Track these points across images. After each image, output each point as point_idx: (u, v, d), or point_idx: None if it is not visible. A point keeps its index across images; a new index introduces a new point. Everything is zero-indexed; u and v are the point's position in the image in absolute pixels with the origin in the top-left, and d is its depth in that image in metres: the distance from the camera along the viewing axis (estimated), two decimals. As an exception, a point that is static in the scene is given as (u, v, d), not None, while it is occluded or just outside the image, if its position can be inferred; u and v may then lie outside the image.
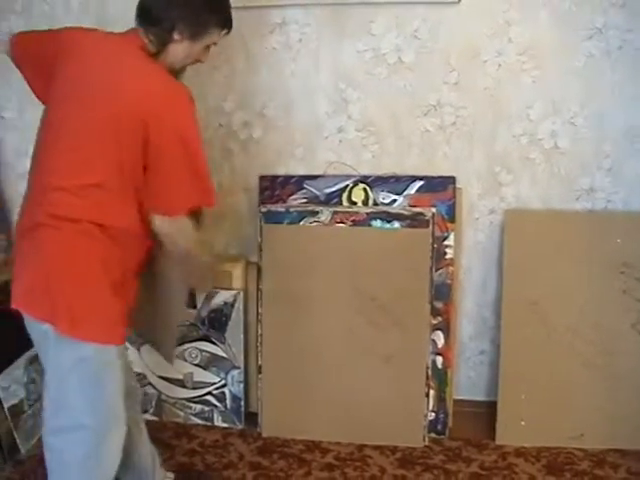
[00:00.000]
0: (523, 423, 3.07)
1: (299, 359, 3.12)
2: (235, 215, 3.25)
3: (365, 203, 3.09)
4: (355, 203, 3.10)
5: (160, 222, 2.22)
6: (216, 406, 3.23)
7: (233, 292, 3.16)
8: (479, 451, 3.07)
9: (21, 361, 3.12)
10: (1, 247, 3.26)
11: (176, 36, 2.25)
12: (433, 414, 3.15)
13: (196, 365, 3.22)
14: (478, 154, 3.04)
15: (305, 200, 3.13)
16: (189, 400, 3.26)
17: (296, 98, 3.07)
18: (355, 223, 3.03)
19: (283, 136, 3.12)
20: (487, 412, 3.17)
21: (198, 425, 3.27)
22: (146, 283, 2.36)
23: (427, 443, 3.13)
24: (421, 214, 3.00)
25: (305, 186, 3.12)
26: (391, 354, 3.02)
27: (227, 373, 3.20)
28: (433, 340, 3.10)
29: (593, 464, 2.97)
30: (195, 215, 2.31)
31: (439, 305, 3.09)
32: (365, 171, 3.11)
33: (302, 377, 3.13)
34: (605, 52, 2.87)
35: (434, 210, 3.01)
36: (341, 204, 3.10)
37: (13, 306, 2.12)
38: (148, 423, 3.10)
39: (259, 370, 3.16)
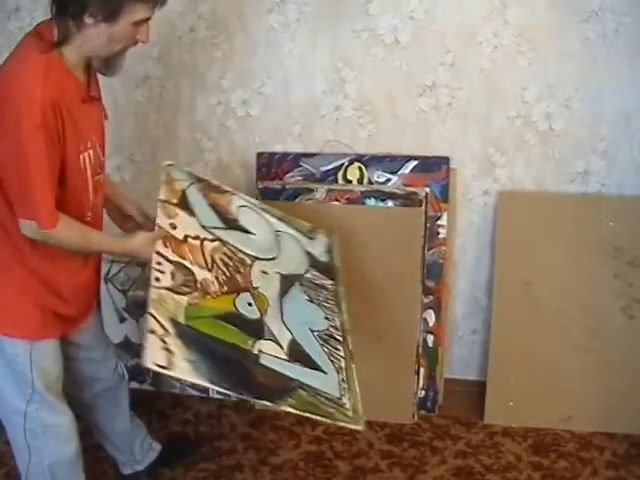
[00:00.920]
0: (512, 403, 3.11)
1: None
2: (233, 191, 3.32)
3: (360, 182, 3.11)
4: (350, 181, 3.12)
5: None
6: (211, 378, 3.29)
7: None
8: (467, 429, 3.13)
9: None
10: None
11: (88, 20, 2.04)
12: (423, 392, 3.20)
13: (192, 338, 3.27)
14: (473, 135, 3.04)
15: (301, 177, 3.16)
16: (185, 372, 3.33)
17: (294, 77, 3.09)
18: (349, 201, 3.07)
19: (281, 114, 3.15)
20: (478, 392, 3.21)
21: (194, 396, 3.35)
22: None
23: (416, 420, 3.18)
24: (414, 193, 3.03)
25: (302, 164, 3.15)
26: (382, 331, 3.05)
27: (222, 346, 3.25)
28: (424, 319, 3.15)
29: (579, 446, 3.02)
30: None
31: (431, 284, 3.12)
32: (361, 150, 3.12)
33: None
34: (601, 35, 2.86)
35: (427, 190, 3.04)
36: (336, 182, 3.13)
37: None
38: (145, 394, 3.27)
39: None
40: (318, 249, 2.83)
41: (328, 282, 2.72)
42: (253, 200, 2.81)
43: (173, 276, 2.38)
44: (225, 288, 2.51)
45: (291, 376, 2.37)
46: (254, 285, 2.58)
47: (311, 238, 2.83)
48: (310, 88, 3.11)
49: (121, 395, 2.74)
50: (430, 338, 3.16)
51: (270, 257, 2.70)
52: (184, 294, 2.37)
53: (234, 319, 2.44)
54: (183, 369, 2.17)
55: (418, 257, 3.04)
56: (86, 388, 2.62)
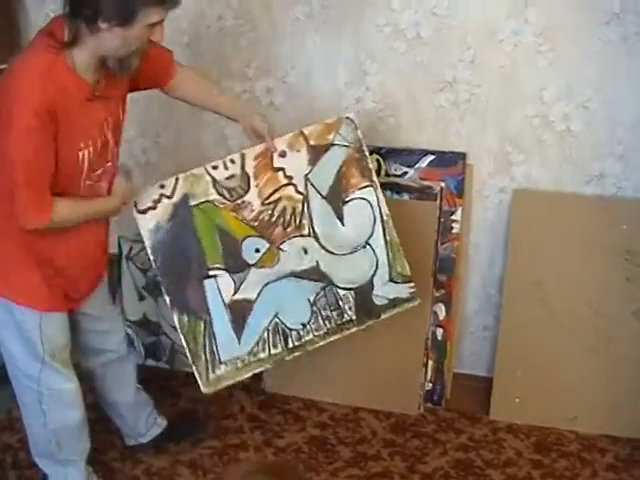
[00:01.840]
0: (518, 400, 3.13)
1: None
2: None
3: (378, 173, 3.09)
4: (368, 172, 3.18)
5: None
6: (225, 358, 3.36)
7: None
8: (471, 424, 3.17)
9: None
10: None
11: (102, 24, 2.05)
12: (430, 384, 3.23)
13: (209, 318, 3.34)
14: (491, 132, 3.05)
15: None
16: (200, 351, 3.42)
17: (317, 68, 3.13)
18: None
19: (303, 104, 3.19)
20: (486, 387, 3.22)
21: (207, 376, 3.46)
22: None
23: (422, 412, 3.22)
24: (429, 187, 3.07)
25: (320, 154, 3.22)
26: (392, 323, 2.98)
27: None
28: (435, 312, 3.19)
29: (582, 447, 3.03)
30: None
31: (442, 278, 3.16)
32: (380, 142, 3.16)
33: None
34: (622, 37, 2.83)
35: (443, 184, 3.07)
36: (354, 174, 3.20)
37: None
38: (160, 371, 3.39)
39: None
40: (381, 297, 2.79)
41: (353, 317, 2.77)
42: (386, 210, 2.75)
43: (230, 178, 2.63)
44: (255, 223, 2.68)
45: (209, 311, 2.65)
46: (281, 246, 2.70)
47: (394, 281, 2.79)
48: (332, 79, 3.15)
49: (128, 368, 2.87)
50: (440, 332, 3.20)
51: (330, 250, 2.75)
52: (219, 194, 2.63)
53: (229, 244, 2.66)
54: (148, 226, 2.57)
55: (431, 251, 3.08)
56: (93, 357, 2.77)
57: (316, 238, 2.74)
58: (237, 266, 2.68)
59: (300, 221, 2.72)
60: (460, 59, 3.00)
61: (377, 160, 3.14)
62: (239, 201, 2.67)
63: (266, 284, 2.72)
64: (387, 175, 3.15)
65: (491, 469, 2.92)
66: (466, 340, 3.33)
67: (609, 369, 3.03)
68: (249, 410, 3.25)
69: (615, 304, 3.00)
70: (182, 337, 2.65)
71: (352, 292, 2.78)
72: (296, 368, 3.21)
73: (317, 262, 2.75)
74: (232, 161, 2.65)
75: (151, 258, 2.64)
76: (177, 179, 2.62)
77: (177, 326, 2.65)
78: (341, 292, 2.77)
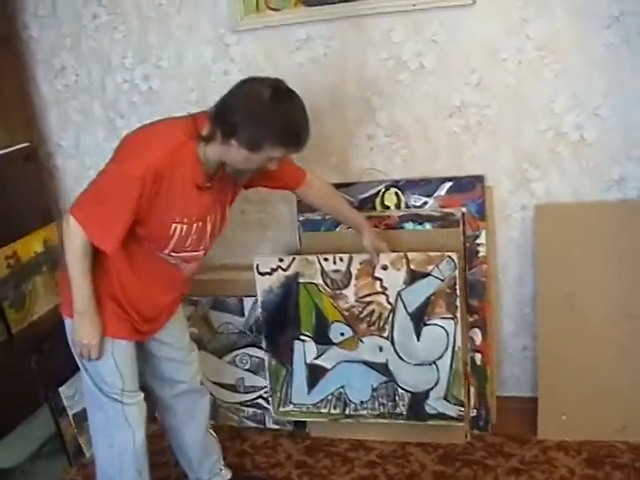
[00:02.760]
0: (564, 417, 3.07)
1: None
2: (277, 223, 3.40)
3: (397, 207, 3.16)
4: (388, 207, 3.17)
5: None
6: (267, 409, 3.38)
7: (277, 298, 3.38)
8: (520, 446, 3.11)
9: (84, 372, 3.39)
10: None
11: (233, 142, 2.31)
12: (475, 411, 3.19)
13: (247, 370, 3.39)
14: (505, 151, 3.05)
15: (340, 207, 3.30)
16: (242, 404, 3.44)
17: (325, 110, 3.16)
18: (388, 227, 3.12)
19: (316, 146, 3.16)
20: (532, 408, 3.16)
21: (251, 428, 3.44)
22: None
23: (469, 439, 3.17)
24: (451, 214, 3.06)
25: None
26: None
27: (278, 379, 3.44)
28: (471, 337, 3.16)
29: (634, 456, 2.97)
30: None
31: (474, 303, 3.13)
32: (396, 175, 3.18)
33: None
34: (624, 40, 2.83)
35: (464, 209, 3.06)
36: (374, 209, 3.19)
37: None
38: None
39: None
40: (432, 407, 3.08)
41: (404, 412, 3.14)
42: (459, 344, 2.98)
43: (336, 271, 3.09)
44: (346, 313, 3.14)
45: (292, 364, 3.22)
46: (362, 338, 3.13)
47: (447, 400, 3.05)
48: (342, 119, 3.18)
49: (200, 405, 2.95)
50: (478, 357, 3.15)
51: (401, 356, 3.08)
52: (324, 281, 3.12)
53: (321, 321, 3.17)
54: (264, 286, 3.18)
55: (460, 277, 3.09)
56: (166, 387, 2.86)
57: (392, 343, 3.13)
58: (323, 340, 3.22)
59: (383, 325, 3.13)
60: (466, 82, 3.02)
61: (395, 193, 3.16)
62: (338, 292, 3.16)
63: (341, 361, 3.22)
64: (407, 207, 3.14)
65: (545, 490, 2.89)
66: (506, 362, 3.28)
67: (653, 373, 3.00)
68: (296, 457, 3.23)
69: (651, 308, 2.98)
70: (267, 374, 3.30)
71: (409, 394, 3.15)
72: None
73: (387, 360, 3.16)
74: (341, 259, 3.11)
75: (259, 311, 3.27)
76: (294, 258, 3.17)
77: (266, 365, 3.30)
78: (400, 390, 3.15)
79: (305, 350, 3.23)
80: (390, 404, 3.16)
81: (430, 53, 3.02)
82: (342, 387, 3.21)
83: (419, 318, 3.05)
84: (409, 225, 3.10)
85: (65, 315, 2.60)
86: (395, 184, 3.16)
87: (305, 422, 3.37)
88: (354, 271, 3.09)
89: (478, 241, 3.09)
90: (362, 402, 3.19)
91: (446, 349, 3.03)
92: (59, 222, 3.51)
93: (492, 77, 3.00)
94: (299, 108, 2.39)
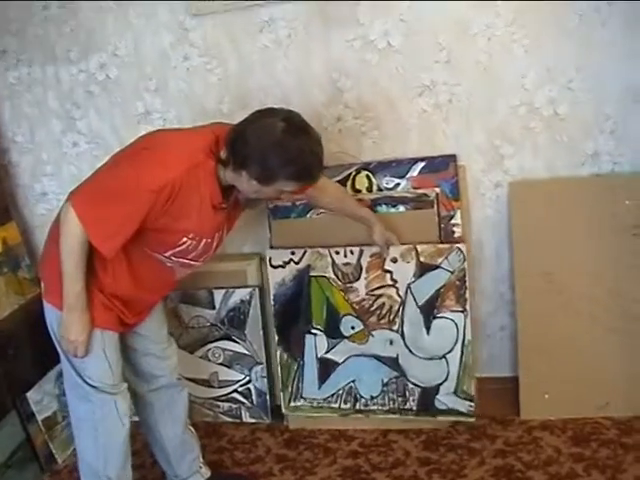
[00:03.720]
0: (547, 396, 3.05)
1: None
2: (246, 214, 3.31)
3: (369, 190, 3.10)
4: (359, 191, 3.11)
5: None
6: (243, 403, 3.33)
7: (249, 289, 3.24)
8: (504, 427, 3.09)
9: (52, 374, 3.28)
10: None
11: (244, 174, 2.32)
12: (455, 393, 3.20)
13: (220, 364, 3.32)
14: (477, 129, 3.02)
15: (310, 192, 3.24)
16: (216, 399, 3.37)
17: (292, 93, 3.09)
18: None
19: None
20: (513, 387, 3.14)
21: (227, 423, 3.37)
22: None
23: (451, 423, 3.14)
24: (425, 195, 3.01)
25: (310, 179, 3.20)
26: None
27: (250, 369, 3.29)
28: (449, 320, 3.16)
29: (620, 432, 2.96)
30: None
31: (451, 284, 3.13)
32: (367, 157, 3.12)
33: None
34: (595, 9, 2.80)
35: (438, 190, 3.01)
36: (346, 193, 3.17)
37: None
38: None
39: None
40: (442, 402, 3.07)
41: (414, 407, 3.14)
42: (469, 337, 3.00)
43: (347, 264, 3.09)
44: (357, 306, 3.13)
45: (304, 357, 3.20)
46: (372, 332, 3.12)
47: (457, 395, 3.05)
48: (309, 102, 3.10)
49: (178, 399, 2.90)
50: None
51: (411, 350, 3.07)
52: (335, 274, 3.11)
53: (332, 314, 3.16)
54: (276, 279, 3.17)
55: (436, 258, 3.09)
56: (144, 382, 2.83)
57: (402, 337, 3.12)
58: (334, 333, 3.21)
59: (394, 318, 3.13)
60: (435, 60, 2.97)
61: (367, 176, 3.09)
62: (349, 285, 3.16)
63: (352, 355, 3.21)
64: (379, 190, 3.08)
65: (532, 470, 2.84)
66: (484, 343, 3.24)
67: (633, 347, 2.95)
68: (275, 450, 3.17)
69: (630, 281, 2.94)
70: (279, 368, 3.27)
71: (419, 389, 3.15)
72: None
73: (397, 355, 3.15)
74: (352, 252, 3.11)
75: (272, 303, 3.25)
76: (305, 251, 3.16)
77: (277, 359, 3.27)
78: (410, 385, 3.15)
79: (316, 344, 3.21)
80: (400, 399, 3.15)
81: (398, 32, 2.97)
82: (353, 381, 3.20)
83: (429, 311, 3.06)
84: (382, 208, 3.05)
85: (49, 303, 2.53)
86: (366, 167, 3.10)
87: (282, 414, 3.30)
88: (364, 264, 3.10)
89: (453, 221, 3.04)
90: (372, 397, 3.17)
91: (456, 342, 3.03)
92: (18, 220, 3.43)
93: (462, 54, 2.96)
94: (312, 142, 2.34)
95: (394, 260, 3.05)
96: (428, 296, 3.04)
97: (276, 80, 3.11)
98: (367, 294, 3.12)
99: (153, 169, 2.29)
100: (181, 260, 2.50)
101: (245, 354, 3.27)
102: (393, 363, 3.13)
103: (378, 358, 3.14)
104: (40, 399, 3.19)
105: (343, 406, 3.21)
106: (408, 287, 3.05)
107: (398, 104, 3.06)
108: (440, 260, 2.99)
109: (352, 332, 3.16)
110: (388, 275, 3.08)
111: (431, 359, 3.07)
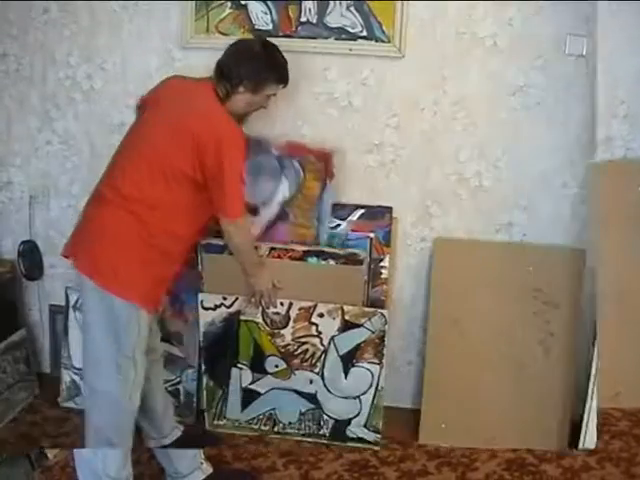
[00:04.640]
0: (444, 426, 3.47)
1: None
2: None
3: (312, 226, 3.52)
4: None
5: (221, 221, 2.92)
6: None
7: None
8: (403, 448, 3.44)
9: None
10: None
11: (241, 89, 2.90)
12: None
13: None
14: (413, 188, 3.47)
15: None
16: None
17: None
18: (292, 258, 3.34)
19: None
20: (413, 417, 3.55)
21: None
22: None
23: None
24: (354, 254, 3.32)
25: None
26: None
27: (182, 372, 3.57)
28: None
29: (501, 468, 3.29)
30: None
31: (374, 320, 3.54)
32: (315, 199, 3.53)
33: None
34: (525, 107, 3.33)
35: (372, 235, 3.41)
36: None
37: (62, 254, 2.89)
38: None
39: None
40: (353, 432, 3.46)
41: (326, 433, 3.51)
42: (382, 384, 3.37)
43: (276, 314, 3.34)
44: (282, 349, 3.40)
45: (229, 386, 3.48)
46: (294, 371, 3.43)
47: (367, 428, 3.44)
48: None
49: (162, 369, 3.26)
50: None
51: (329, 390, 3.43)
52: (264, 320, 3.37)
53: (258, 354, 3.42)
54: (207, 319, 3.39)
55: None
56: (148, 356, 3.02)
57: (322, 378, 3.46)
58: (258, 369, 3.49)
59: (315, 362, 3.45)
60: (386, 124, 3.41)
61: (313, 215, 3.51)
62: (276, 331, 3.43)
63: (274, 388, 3.52)
64: (321, 226, 3.51)
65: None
66: (392, 376, 3.61)
67: (520, 391, 3.43)
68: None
69: (524, 335, 3.42)
70: (205, 393, 3.54)
71: (333, 420, 3.51)
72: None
73: (316, 392, 3.49)
74: (282, 303, 3.36)
75: (201, 339, 3.48)
76: (237, 298, 3.36)
77: (203, 385, 3.52)
78: (325, 417, 3.51)
79: (241, 376, 3.49)
80: (315, 427, 3.50)
81: (359, 94, 3.40)
82: (273, 409, 3.51)
83: (348, 360, 3.41)
84: (313, 259, 3.34)
85: (113, 293, 2.69)
86: (313, 207, 3.51)
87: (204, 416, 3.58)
88: (293, 315, 3.38)
89: (382, 264, 3.45)
90: (290, 423, 3.51)
91: (370, 387, 3.40)
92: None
93: (410, 123, 3.42)
94: (280, 52, 3.00)
95: (321, 315, 3.36)
96: (349, 348, 3.39)
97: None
98: (293, 340, 3.42)
99: (234, 126, 2.84)
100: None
101: (179, 357, 3.55)
102: (311, 398, 3.47)
103: (298, 393, 3.47)
104: None
105: (263, 427, 3.52)
106: (332, 339, 3.38)
107: (349, 156, 3.46)
108: (364, 321, 3.34)
109: (276, 369, 3.46)
110: (314, 327, 3.39)
111: (347, 398, 3.43)
